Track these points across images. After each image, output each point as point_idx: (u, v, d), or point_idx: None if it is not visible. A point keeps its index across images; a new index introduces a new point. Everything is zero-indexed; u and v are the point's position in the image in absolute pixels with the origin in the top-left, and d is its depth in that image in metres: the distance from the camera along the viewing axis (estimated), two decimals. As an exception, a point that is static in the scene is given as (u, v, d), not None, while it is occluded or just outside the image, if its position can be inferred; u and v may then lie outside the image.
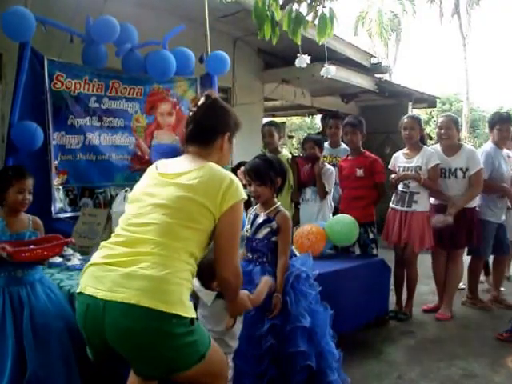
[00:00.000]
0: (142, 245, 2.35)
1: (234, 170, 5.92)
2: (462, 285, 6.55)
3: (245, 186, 5.59)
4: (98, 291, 2.28)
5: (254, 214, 3.66)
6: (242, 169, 4.76)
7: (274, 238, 3.52)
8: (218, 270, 2.49)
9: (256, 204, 3.76)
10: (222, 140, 2.75)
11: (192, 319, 2.31)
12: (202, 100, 2.77)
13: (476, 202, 5.75)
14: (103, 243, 2.52)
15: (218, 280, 2.60)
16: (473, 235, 5.62)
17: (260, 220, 3.55)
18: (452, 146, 5.61)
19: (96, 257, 2.45)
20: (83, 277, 2.43)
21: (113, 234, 2.55)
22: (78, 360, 3.25)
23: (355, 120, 5.68)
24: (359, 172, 5.45)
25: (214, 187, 2.45)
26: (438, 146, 5.85)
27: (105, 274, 2.32)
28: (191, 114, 2.77)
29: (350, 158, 5.72)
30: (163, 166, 2.68)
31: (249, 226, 3.63)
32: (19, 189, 3.37)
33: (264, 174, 3.52)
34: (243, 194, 2.52)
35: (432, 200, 5.73)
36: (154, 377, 2.50)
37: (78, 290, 2.43)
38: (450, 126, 5.60)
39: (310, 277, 3.64)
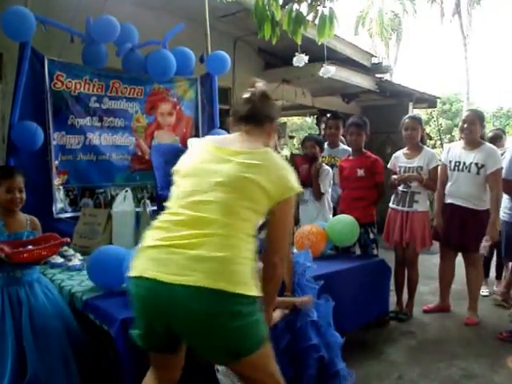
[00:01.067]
0: (207, 225, 2.30)
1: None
2: (485, 291, 6.58)
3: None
4: (162, 275, 2.24)
5: None
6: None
7: None
8: (268, 256, 2.54)
9: None
10: (270, 127, 2.74)
11: (256, 297, 2.32)
12: (260, 84, 2.76)
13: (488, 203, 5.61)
14: (157, 223, 2.43)
15: (265, 267, 2.57)
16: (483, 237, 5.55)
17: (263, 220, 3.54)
18: (473, 142, 5.53)
19: (152, 238, 2.37)
20: (139, 260, 2.37)
21: (167, 212, 2.47)
22: (76, 359, 3.26)
23: (361, 121, 5.65)
24: (360, 172, 5.43)
25: (277, 175, 2.44)
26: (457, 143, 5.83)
27: (169, 257, 2.27)
28: (248, 95, 2.73)
29: (351, 158, 5.69)
30: (216, 141, 2.63)
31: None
32: (8, 188, 3.36)
33: None
34: (300, 187, 2.53)
35: (445, 199, 5.69)
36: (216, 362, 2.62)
37: (133, 274, 2.35)
38: (474, 122, 5.51)
39: (312, 271, 3.67)
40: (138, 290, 2.35)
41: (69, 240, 3.64)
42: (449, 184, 5.61)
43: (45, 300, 3.35)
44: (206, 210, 2.33)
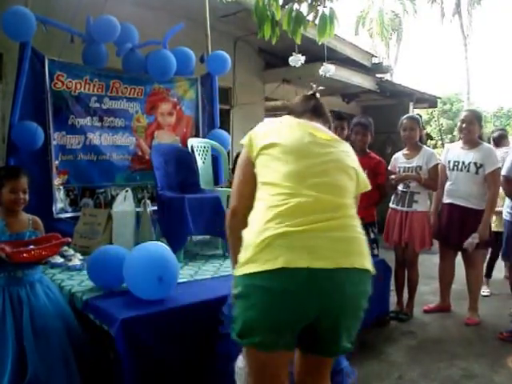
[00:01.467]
0: (337, 207, 2.22)
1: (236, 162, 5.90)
2: (485, 291, 6.60)
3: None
4: (315, 261, 2.06)
5: None
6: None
7: None
8: None
9: None
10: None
11: None
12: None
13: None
14: (278, 210, 2.15)
15: None
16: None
17: None
18: (471, 141, 5.53)
19: (283, 225, 2.11)
20: (277, 250, 2.07)
21: (279, 192, 2.21)
22: (76, 359, 3.26)
23: (366, 121, 5.62)
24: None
25: (359, 171, 2.50)
26: (456, 143, 5.84)
27: (315, 243, 2.10)
28: (311, 92, 2.88)
29: None
30: (309, 123, 2.52)
31: None
32: (12, 188, 3.34)
33: None
34: None
35: (444, 199, 5.68)
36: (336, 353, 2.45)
37: (270, 267, 2.05)
38: (473, 121, 5.52)
39: None
40: (281, 284, 2.07)
41: (70, 240, 3.64)
42: (448, 184, 5.61)
43: (46, 300, 3.33)
44: (331, 192, 2.24)
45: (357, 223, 2.26)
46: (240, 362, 2.73)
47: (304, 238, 2.10)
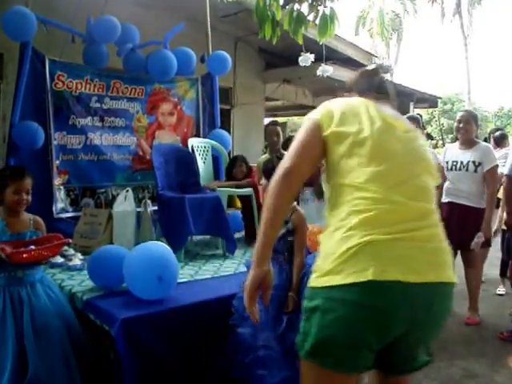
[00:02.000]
0: (428, 215, 2.01)
1: (232, 163, 5.89)
2: (501, 290, 6.60)
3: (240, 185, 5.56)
4: (408, 275, 1.85)
5: None
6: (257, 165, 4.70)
7: (290, 238, 3.47)
8: None
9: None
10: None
11: None
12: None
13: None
14: (363, 216, 1.91)
15: None
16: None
17: None
18: (469, 141, 5.55)
19: (370, 232, 1.88)
20: (365, 260, 1.84)
21: (365, 195, 1.95)
22: (77, 359, 3.25)
23: None
24: None
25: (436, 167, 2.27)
26: (454, 144, 5.85)
27: (408, 253, 1.88)
28: (373, 66, 2.69)
29: None
30: (383, 110, 2.20)
31: None
32: (15, 189, 3.32)
33: None
34: None
35: (443, 198, 5.69)
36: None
37: (364, 279, 1.81)
38: (469, 121, 5.54)
39: None
40: (370, 299, 1.84)
41: (70, 241, 3.63)
42: (446, 183, 5.61)
43: (47, 300, 3.32)
44: (420, 198, 2.01)
45: (441, 231, 2.04)
46: None
47: (394, 248, 1.88)
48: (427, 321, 1.97)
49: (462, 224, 5.40)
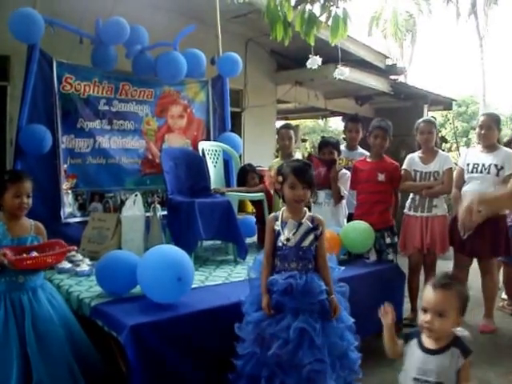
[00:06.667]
0: None
1: (242, 174, 5.84)
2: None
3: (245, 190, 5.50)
4: None
5: (291, 221, 3.44)
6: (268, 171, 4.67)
7: (315, 244, 3.43)
8: None
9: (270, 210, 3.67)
10: None
11: None
12: None
13: None
14: None
15: None
16: (500, 244, 5.45)
17: (305, 227, 3.42)
18: (490, 146, 5.46)
19: None
20: None
21: None
22: (80, 367, 3.22)
23: (387, 125, 5.54)
24: (381, 177, 5.32)
25: None
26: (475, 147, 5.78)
27: None
28: None
29: (369, 160, 5.56)
30: None
31: (290, 234, 3.42)
32: (15, 193, 3.29)
33: (311, 177, 3.44)
34: None
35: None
36: None
37: None
38: (491, 126, 5.46)
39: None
40: None
41: (75, 248, 3.59)
42: (466, 186, 5.51)
43: (49, 307, 3.29)
44: None
45: None
46: None
47: None
48: None
49: (479, 231, 5.27)
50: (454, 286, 2.55)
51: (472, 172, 5.47)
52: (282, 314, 3.21)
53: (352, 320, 3.52)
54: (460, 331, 2.56)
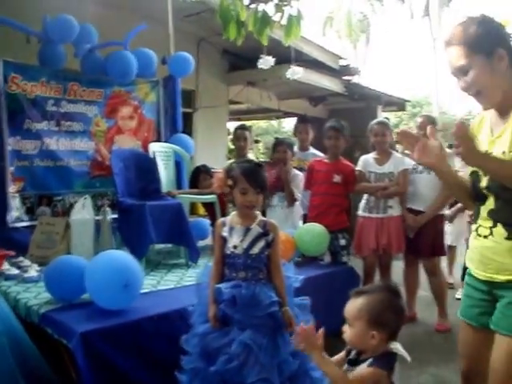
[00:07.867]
0: None
1: (195, 175, 5.78)
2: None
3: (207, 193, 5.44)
4: None
5: (239, 227, 3.19)
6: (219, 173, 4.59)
7: (267, 252, 3.17)
8: None
9: (221, 215, 3.54)
10: None
11: None
12: None
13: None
14: None
15: None
16: (439, 244, 5.61)
17: (255, 233, 3.16)
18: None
19: None
20: None
21: None
22: (26, 377, 3.07)
23: (339, 124, 5.53)
24: (337, 178, 5.31)
25: None
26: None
27: None
28: None
29: (326, 161, 5.54)
30: None
31: (238, 240, 3.16)
32: None
33: (263, 181, 3.18)
34: None
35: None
36: None
37: None
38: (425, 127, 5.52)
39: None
40: None
41: (13, 253, 3.49)
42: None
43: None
44: None
45: None
46: None
47: None
48: None
49: (422, 230, 5.40)
50: (367, 296, 2.42)
51: (411, 173, 5.59)
52: (229, 327, 3.00)
53: None
54: (396, 349, 2.46)
